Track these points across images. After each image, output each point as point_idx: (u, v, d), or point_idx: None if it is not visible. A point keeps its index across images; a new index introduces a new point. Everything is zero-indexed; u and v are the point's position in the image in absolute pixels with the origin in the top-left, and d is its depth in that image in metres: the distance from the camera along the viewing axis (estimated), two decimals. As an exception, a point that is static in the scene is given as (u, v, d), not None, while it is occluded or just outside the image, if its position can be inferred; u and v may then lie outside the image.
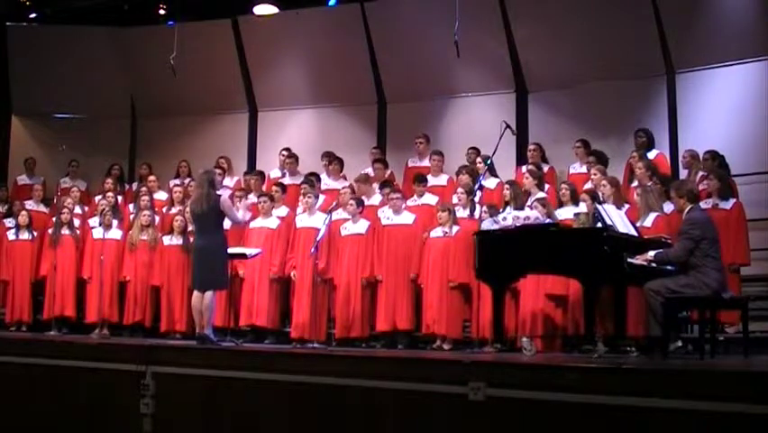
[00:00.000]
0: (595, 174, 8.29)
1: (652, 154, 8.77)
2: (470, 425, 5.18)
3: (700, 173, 8.29)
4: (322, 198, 9.47)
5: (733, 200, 7.83)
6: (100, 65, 12.19)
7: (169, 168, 11.35)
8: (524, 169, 9.40)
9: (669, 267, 6.52)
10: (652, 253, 6.44)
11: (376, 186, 9.56)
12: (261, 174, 10.40)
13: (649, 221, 7.29)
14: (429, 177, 9.62)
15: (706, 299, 6.31)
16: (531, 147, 9.46)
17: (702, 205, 7.20)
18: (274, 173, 10.67)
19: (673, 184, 7.12)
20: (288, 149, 10.73)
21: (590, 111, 9.96)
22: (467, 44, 9.75)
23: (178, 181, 10.74)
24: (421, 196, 9.12)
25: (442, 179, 9.64)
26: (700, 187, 7.82)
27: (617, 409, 4.75)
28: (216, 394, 6.22)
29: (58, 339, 8.60)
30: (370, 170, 10.01)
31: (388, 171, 10.17)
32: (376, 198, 9.34)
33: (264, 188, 10.09)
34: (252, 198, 9.52)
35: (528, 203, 8.01)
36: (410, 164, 10.28)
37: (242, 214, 8.41)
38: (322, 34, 11.37)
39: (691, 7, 9.49)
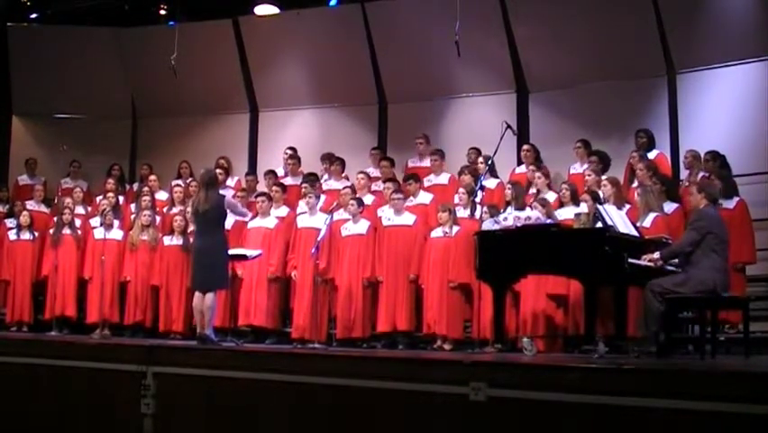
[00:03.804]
0: (589, 175, 8.31)
1: (652, 154, 8.77)
2: (470, 425, 5.18)
3: (702, 173, 8.29)
4: (323, 198, 9.47)
5: (736, 199, 7.83)
6: (101, 65, 12.20)
7: (169, 168, 11.35)
8: (518, 170, 9.44)
9: (670, 267, 6.53)
10: (657, 253, 6.45)
11: (380, 183, 9.57)
12: (273, 173, 10.39)
13: (648, 221, 7.29)
14: (431, 176, 9.66)
15: (706, 299, 6.30)
16: (525, 147, 9.45)
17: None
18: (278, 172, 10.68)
19: (701, 180, 7.12)
20: (292, 148, 10.73)
21: (591, 111, 9.96)
22: (467, 44, 9.74)
23: (180, 182, 10.74)
24: (416, 195, 9.12)
25: (443, 178, 9.66)
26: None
27: (617, 409, 4.75)
28: (217, 394, 6.22)
29: (58, 339, 8.60)
30: (371, 170, 10.02)
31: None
32: (368, 198, 9.33)
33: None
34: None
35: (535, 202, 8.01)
36: (410, 164, 10.29)
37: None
38: (323, 35, 11.37)
39: (692, 7, 9.49)
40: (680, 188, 8.27)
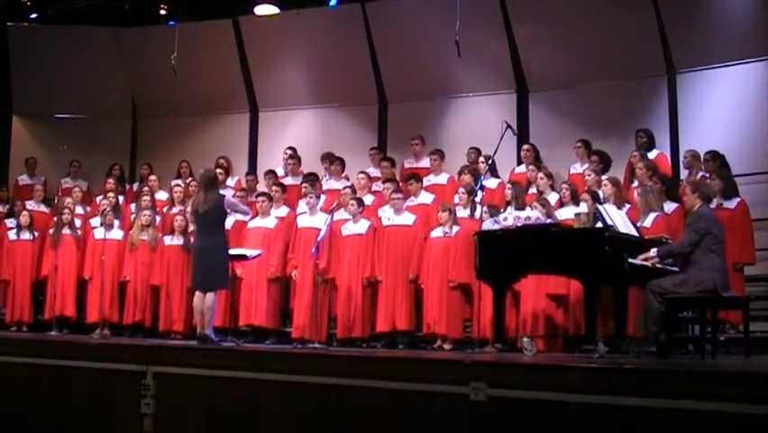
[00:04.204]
0: (589, 175, 8.31)
1: (652, 154, 8.78)
2: (470, 425, 5.17)
3: (701, 173, 8.29)
4: (323, 198, 9.47)
5: (737, 199, 7.84)
6: (101, 65, 12.21)
7: (169, 168, 11.36)
8: (518, 170, 9.44)
9: (669, 267, 6.52)
10: (654, 250, 6.44)
11: (380, 183, 9.57)
12: (273, 173, 10.39)
13: (648, 221, 7.29)
14: (430, 176, 9.65)
15: (706, 299, 6.30)
16: (525, 147, 9.46)
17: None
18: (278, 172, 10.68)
19: (695, 180, 7.11)
20: (292, 148, 10.73)
21: (591, 111, 9.97)
22: (468, 44, 9.74)
23: (180, 182, 10.74)
24: (417, 195, 9.11)
25: (442, 178, 9.66)
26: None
27: (617, 409, 4.74)
28: (217, 394, 6.21)
29: (58, 339, 8.60)
30: (371, 170, 10.02)
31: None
32: (368, 198, 9.33)
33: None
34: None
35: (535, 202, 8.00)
36: (406, 165, 10.29)
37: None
38: (323, 34, 11.38)
39: (692, 7, 9.50)
40: (680, 188, 8.27)
